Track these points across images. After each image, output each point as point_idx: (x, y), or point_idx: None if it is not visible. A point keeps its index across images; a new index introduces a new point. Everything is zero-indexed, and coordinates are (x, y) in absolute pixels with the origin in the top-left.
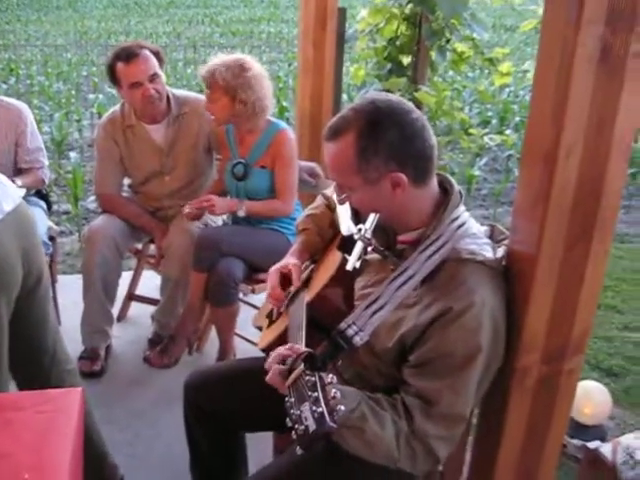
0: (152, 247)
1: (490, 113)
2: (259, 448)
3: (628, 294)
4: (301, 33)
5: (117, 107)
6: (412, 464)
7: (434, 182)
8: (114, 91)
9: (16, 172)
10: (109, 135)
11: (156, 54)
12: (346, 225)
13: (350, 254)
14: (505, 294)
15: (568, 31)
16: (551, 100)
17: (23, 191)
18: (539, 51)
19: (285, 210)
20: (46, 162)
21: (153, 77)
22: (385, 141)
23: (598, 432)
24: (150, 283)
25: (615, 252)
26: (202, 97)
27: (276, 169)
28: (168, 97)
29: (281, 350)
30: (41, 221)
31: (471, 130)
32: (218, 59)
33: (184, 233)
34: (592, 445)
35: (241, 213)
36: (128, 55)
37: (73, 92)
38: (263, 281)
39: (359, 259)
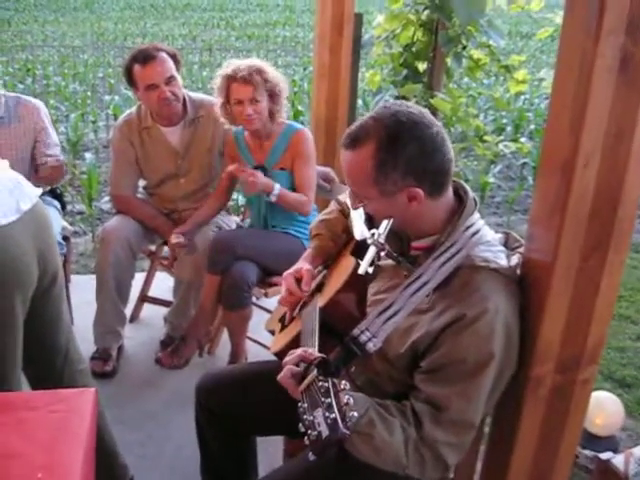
0: (165, 249)
1: (505, 120)
2: (269, 452)
3: None
4: (317, 38)
5: (133, 109)
6: (421, 471)
7: (449, 191)
8: (130, 93)
9: (34, 169)
10: (125, 136)
11: (173, 57)
12: (359, 230)
13: (363, 259)
14: (519, 302)
15: (588, 41)
16: (569, 109)
17: (40, 190)
18: (558, 60)
19: (307, 206)
20: (62, 157)
21: (169, 80)
22: (405, 156)
23: (610, 443)
24: (163, 285)
25: (630, 262)
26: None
27: (295, 167)
28: (184, 100)
29: (299, 352)
30: (55, 221)
31: (486, 137)
32: (238, 62)
33: (198, 236)
34: (604, 456)
35: (273, 198)
36: (145, 57)
37: (89, 93)
38: (276, 284)
39: (372, 264)
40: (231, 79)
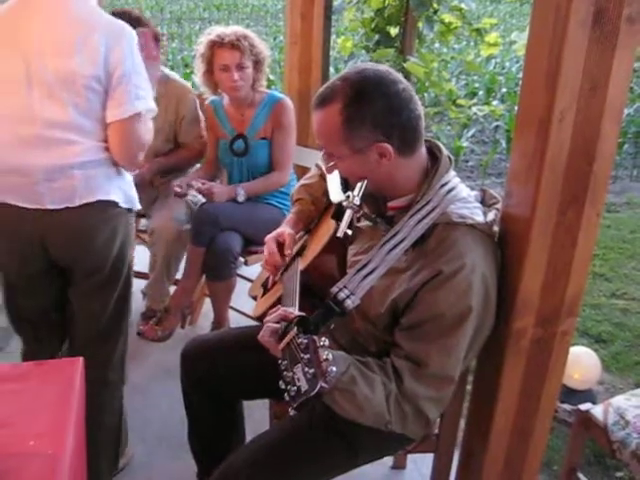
0: (142, 222)
1: (477, 85)
2: (254, 418)
3: (615, 262)
4: (289, 4)
5: None
6: (403, 425)
7: (422, 150)
8: None
9: None
10: None
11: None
12: (336, 193)
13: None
14: (496, 257)
15: None
16: (544, 65)
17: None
18: (532, 17)
19: (282, 180)
20: None
21: None
22: (371, 111)
23: (588, 397)
24: (141, 257)
25: (603, 221)
26: (185, 83)
27: (274, 137)
28: None
29: (279, 311)
30: None
31: (459, 101)
32: (221, 28)
33: (167, 217)
34: (584, 407)
35: (241, 198)
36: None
37: None
38: (257, 253)
39: (350, 226)
40: (216, 44)
